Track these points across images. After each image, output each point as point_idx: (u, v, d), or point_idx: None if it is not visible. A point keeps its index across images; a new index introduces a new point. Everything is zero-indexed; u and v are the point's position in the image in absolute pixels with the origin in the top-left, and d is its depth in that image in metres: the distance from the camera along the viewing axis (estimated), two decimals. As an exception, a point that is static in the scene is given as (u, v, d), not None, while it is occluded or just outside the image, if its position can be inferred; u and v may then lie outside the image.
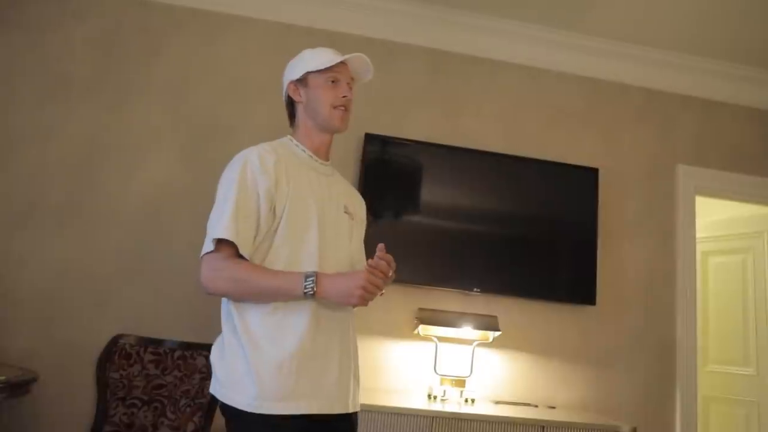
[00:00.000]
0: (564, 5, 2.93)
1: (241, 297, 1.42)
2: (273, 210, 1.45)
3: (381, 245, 1.43)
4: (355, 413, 1.54)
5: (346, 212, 1.61)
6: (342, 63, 1.60)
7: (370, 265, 1.41)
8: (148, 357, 2.52)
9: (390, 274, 1.45)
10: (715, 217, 3.92)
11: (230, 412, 1.38)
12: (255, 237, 1.43)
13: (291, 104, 1.65)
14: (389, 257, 1.43)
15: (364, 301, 1.40)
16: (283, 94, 1.66)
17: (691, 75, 3.32)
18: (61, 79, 2.81)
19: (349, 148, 2.88)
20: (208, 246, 1.40)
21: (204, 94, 2.90)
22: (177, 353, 2.55)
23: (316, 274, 1.39)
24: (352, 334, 1.57)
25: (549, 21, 3.08)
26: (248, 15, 3.00)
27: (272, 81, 2.90)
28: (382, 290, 1.44)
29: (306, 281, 1.37)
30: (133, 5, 2.94)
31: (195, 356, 2.55)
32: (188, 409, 2.50)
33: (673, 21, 2.96)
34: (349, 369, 1.51)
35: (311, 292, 1.37)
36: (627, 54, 3.23)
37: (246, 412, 1.34)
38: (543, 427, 2.29)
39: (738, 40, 3.07)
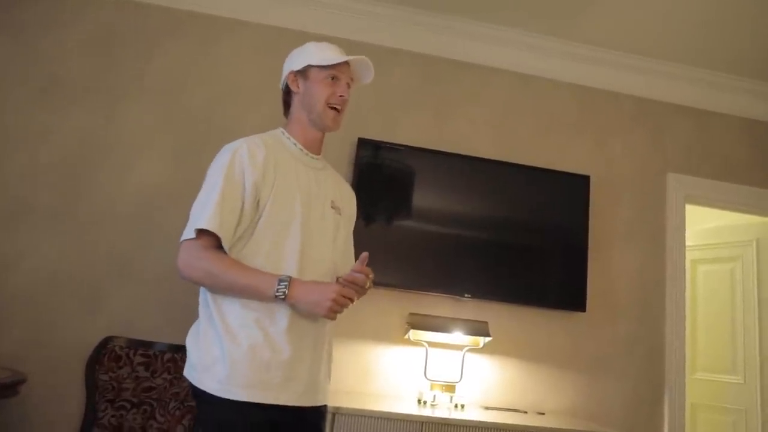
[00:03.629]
0: (556, 13, 2.95)
1: (213, 289, 1.44)
2: (258, 203, 1.47)
3: (364, 255, 1.47)
4: (324, 405, 1.57)
5: (333, 207, 1.63)
6: (344, 62, 1.62)
7: (345, 279, 1.44)
8: (137, 359, 2.51)
9: (367, 285, 1.48)
10: (704, 226, 3.95)
11: (200, 396, 1.41)
12: (237, 228, 1.45)
13: (288, 93, 1.67)
14: (367, 269, 1.46)
15: (331, 313, 1.42)
16: (282, 81, 1.68)
17: (683, 84, 3.35)
18: (55, 80, 2.80)
19: (342, 152, 2.89)
20: (189, 233, 1.42)
21: (197, 97, 2.90)
22: (167, 356, 2.54)
23: (290, 279, 1.40)
24: (328, 329, 1.59)
25: (541, 28, 3.10)
26: (242, 18, 3.01)
27: (266, 84, 2.93)
28: (353, 302, 1.46)
29: (279, 285, 1.39)
30: (127, 7, 2.94)
31: (185, 359, 2.53)
32: (177, 412, 2.49)
33: (665, 30, 2.99)
34: (321, 363, 1.54)
35: (282, 296, 1.39)
36: (619, 62, 3.26)
37: (215, 396, 1.37)
38: (531, 433, 2.30)
39: (729, 51, 3.10)
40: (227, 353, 1.38)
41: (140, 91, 2.86)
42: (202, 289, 1.49)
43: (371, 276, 1.49)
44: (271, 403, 1.39)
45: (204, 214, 1.41)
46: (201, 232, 1.41)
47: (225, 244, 1.42)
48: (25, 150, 2.71)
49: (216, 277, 1.40)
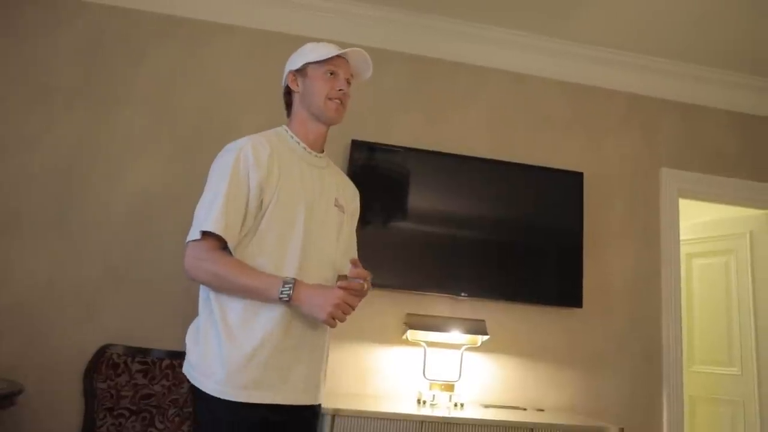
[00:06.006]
0: (548, 12, 2.96)
1: (219, 290, 1.45)
2: (261, 202, 1.48)
3: (354, 260, 1.46)
4: (319, 405, 1.58)
5: (336, 205, 1.64)
6: (342, 58, 1.64)
7: (341, 287, 1.42)
8: (135, 367, 2.51)
9: (365, 288, 1.46)
10: (698, 220, 3.97)
11: (198, 394, 1.42)
12: (242, 228, 1.46)
13: (288, 94, 1.69)
14: (364, 272, 1.45)
15: (331, 319, 1.40)
16: (282, 83, 1.70)
17: (674, 80, 3.37)
18: (46, 87, 2.79)
19: (336, 154, 2.89)
20: (195, 234, 1.43)
21: (188, 102, 2.90)
22: (165, 363, 2.54)
23: (294, 282, 1.41)
24: (325, 329, 1.59)
25: (533, 27, 3.11)
26: (232, 23, 3.01)
27: (256, 88, 2.93)
28: (354, 309, 1.45)
29: (283, 287, 1.40)
30: (118, 13, 2.93)
31: (183, 365, 2.53)
32: (177, 419, 2.48)
33: (656, 27, 3.01)
34: (319, 362, 1.55)
35: (286, 299, 1.40)
36: (611, 60, 3.27)
37: (212, 396, 1.38)
38: (532, 430, 2.31)
39: (719, 46, 3.12)
40: (226, 354, 1.39)
41: (131, 96, 2.86)
42: (202, 286, 1.50)
43: (369, 278, 1.47)
44: (269, 403, 1.40)
45: (209, 215, 1.42)
46: (206, 234, 1.42)
47: (230, 245, 1.43)
48: (17, 157, 2.69)
49: (221, 278, 1.42)
